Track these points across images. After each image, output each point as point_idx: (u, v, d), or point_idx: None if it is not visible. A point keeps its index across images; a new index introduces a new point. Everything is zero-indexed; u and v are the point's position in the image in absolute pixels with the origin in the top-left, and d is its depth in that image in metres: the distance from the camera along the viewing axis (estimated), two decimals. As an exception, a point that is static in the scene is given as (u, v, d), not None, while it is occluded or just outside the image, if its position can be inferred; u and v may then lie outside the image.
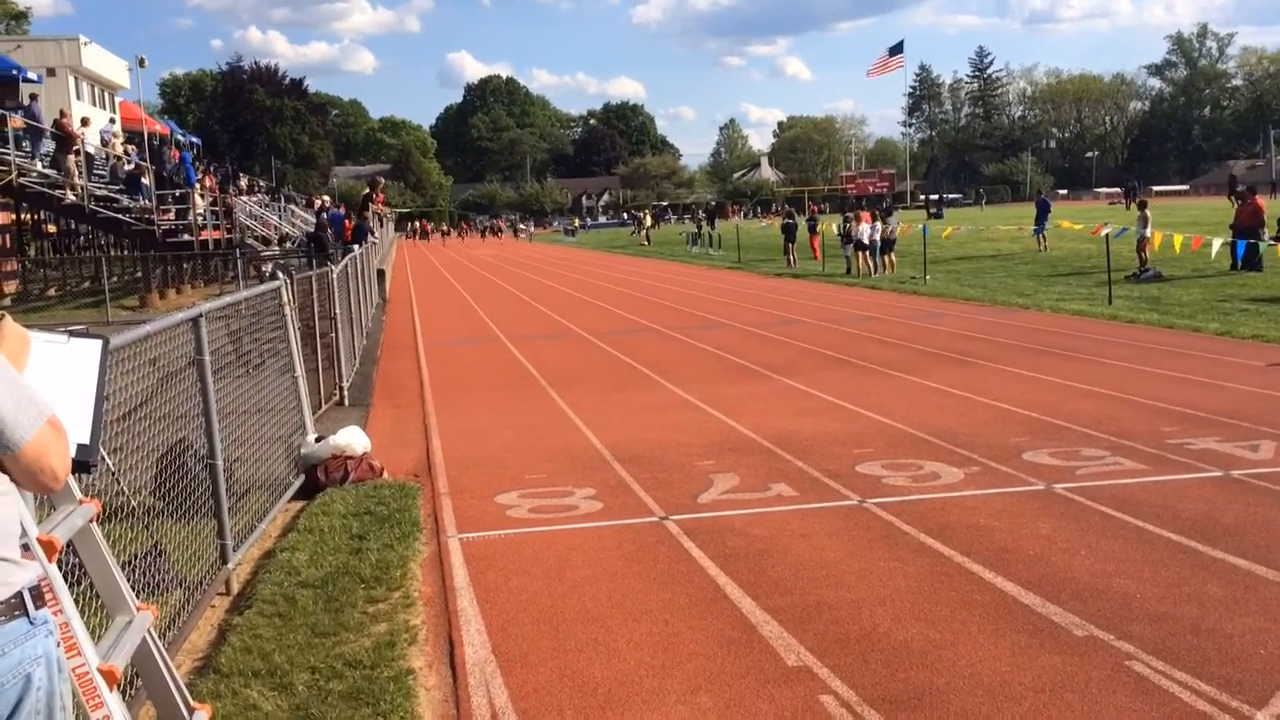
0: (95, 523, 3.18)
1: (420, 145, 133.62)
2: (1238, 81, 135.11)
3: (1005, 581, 5.28)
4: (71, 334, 2.55)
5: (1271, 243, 22.30)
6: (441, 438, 9.53)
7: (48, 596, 2.34)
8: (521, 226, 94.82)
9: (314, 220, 25.43)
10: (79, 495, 3.11)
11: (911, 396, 10.55)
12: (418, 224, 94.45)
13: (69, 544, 3.00)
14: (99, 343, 2.62)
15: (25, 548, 2.61)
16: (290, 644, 4.76)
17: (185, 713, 3.42)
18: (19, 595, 2.02)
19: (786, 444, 8.51)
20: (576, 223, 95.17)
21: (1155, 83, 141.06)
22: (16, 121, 22.98)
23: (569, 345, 16.37)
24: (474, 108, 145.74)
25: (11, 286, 25.55)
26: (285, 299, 8.23)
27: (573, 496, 7.25)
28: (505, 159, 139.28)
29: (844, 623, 4.86)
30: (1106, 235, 19.01)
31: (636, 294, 25.91)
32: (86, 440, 2.40)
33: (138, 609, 3.32)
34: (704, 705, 4.11)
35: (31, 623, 2.03)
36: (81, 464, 2.38)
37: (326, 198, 31.82)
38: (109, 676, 2.86)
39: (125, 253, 29.07)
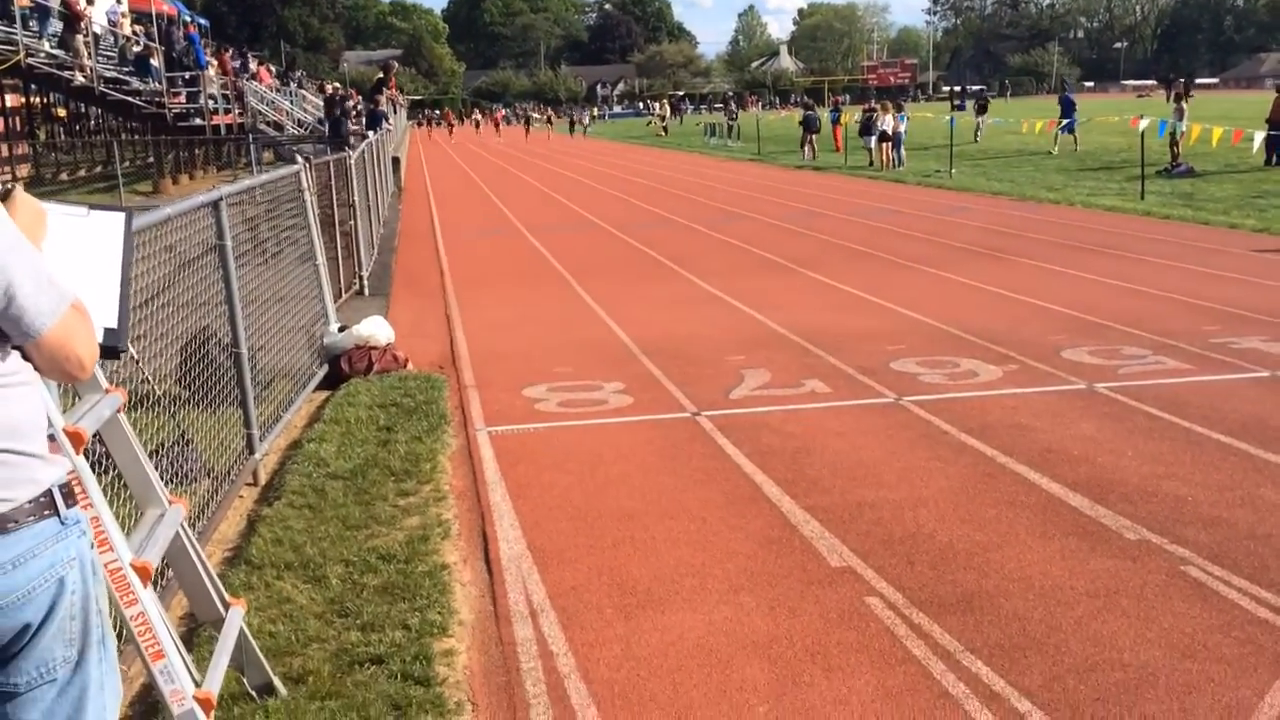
0: (122, 412, 3.04)
1: (432, 30, 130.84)
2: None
3: (1051, 483, 5.14)
4: (92, 207, 2.35)
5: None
6: (465, 329, 9.37)
7: (78, 493, 2.19)
8: (577, 117, 69.63)
9: (327, 107, 24.86)
10: (105, 384, 2.96)
11: (943, 292, 10.31)
12: (438, 113, 79.81)
13: (96, 435, 2.86)
14: (122, 216, 2.41)
15: (51, 439, 2.47)
16: (322, 536, 4.67)
17: (220, 607, 3.32)
18: (48, 493, 1.87)
19: (816, 339, 8.33)
20: (594, 112, 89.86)
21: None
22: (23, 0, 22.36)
23: (590, 237, 16.09)
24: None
25: (23, 170, 25.22)
26: (305, 184, 7.99)
27: (601, 391, 7.11)
28: (518, 45, 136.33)
29: (887, 523, 4.74)
30: (1143, 130, 18.42)
31: (656, 186, 25.46)
32: (114, 324, 2.22)
33: (169, 502, 3.20)
34: (747, 605, 4.01)
35: (63, 522, 1.88)
36: (109, 350, 2.21)
37: (338, 85, 31.07)
38: (143, 572, 2.75)
39: (136, 136, 28.61)
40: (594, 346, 8.46)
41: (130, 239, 2.40)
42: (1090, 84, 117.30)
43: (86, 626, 1.94)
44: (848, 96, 50.57)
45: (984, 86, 74.00)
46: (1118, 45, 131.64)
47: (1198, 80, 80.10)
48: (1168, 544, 4.41)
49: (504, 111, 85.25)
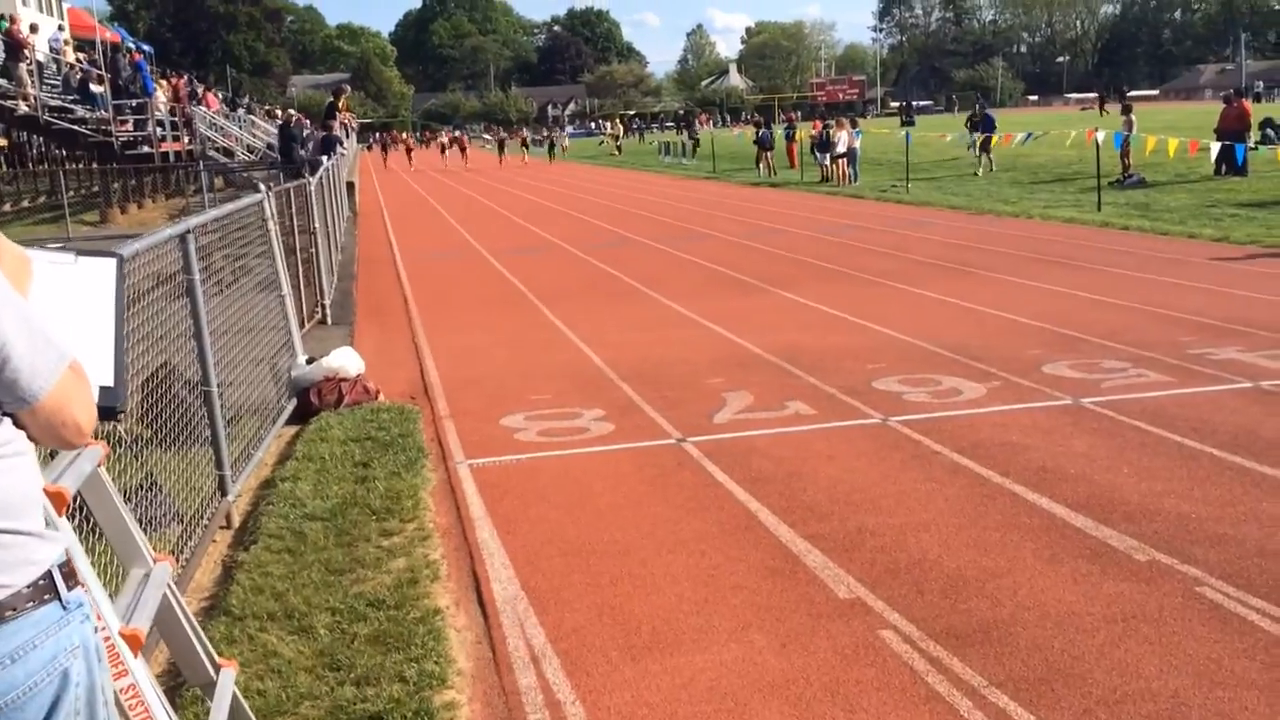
0: (102, 465, 2.83)
1: (380, 53, 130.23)
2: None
3: (1051, 503, 5.05)
4: (80, 253, 2.15)
5: (1254, 147, 22.07)
6: (434, 357, 9.16)
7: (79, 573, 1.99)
8: (557, 138, 57.03)
9: (281, 134, 24.49)
10: (83, 436, 2.75)
11: (915, 308, 10.27)
12: (388, 136, 69.94)
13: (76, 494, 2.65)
14: (113, 261, 2.22)
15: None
16: (304, 583, 4.46)
17: (211, 670, 3.11)
18: (48, 575, 1.67)
19: (795, 359, 8.22)
20: (526, 135, 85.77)
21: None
22: (-40, 28, 21.82)
23: (552, 258, 15.93)
24: (434, 14, 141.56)
25: (-35, 202, 24.58)
26: (268, 213, 7.76)
27: (581, 418, 6.94)
28: (468, 67, 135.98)
29: (890, 550, 4.61)
30: (1097, 141, 18.64)
31: (614, 205, 25.36)
32: (110, 382, 2.03)
33: (154, 559, 3.00)
34: (757, 643, 3.86)
35: (64, 607, 1.68)
36: (107, 410, 2.01)
37: (293, 111, 30.64)
38: (133, 641, 2.54)
39: (82, 165, 28.02)
40: (569, 372, 8.30)
41: (122, 287, 2.20)
42: (1034, 97, 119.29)
43: None
44: (799, 113, 50.79)
45: (910, 103, 73.98)
46: (1060, 59, 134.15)
47: (1139, 93, 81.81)
48: (1179, 564, 4.32)
49: (459, 134, 69.12)
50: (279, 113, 29.30)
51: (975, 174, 26.75)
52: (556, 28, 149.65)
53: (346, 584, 4.44)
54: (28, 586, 1.63)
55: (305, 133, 24.38)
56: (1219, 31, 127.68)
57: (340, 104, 28.74)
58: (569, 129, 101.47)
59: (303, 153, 20.73)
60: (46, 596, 1.65)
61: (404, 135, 65.47)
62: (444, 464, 6.16)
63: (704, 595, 4.28)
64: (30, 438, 1.66)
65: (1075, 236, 15.20)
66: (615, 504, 5.37)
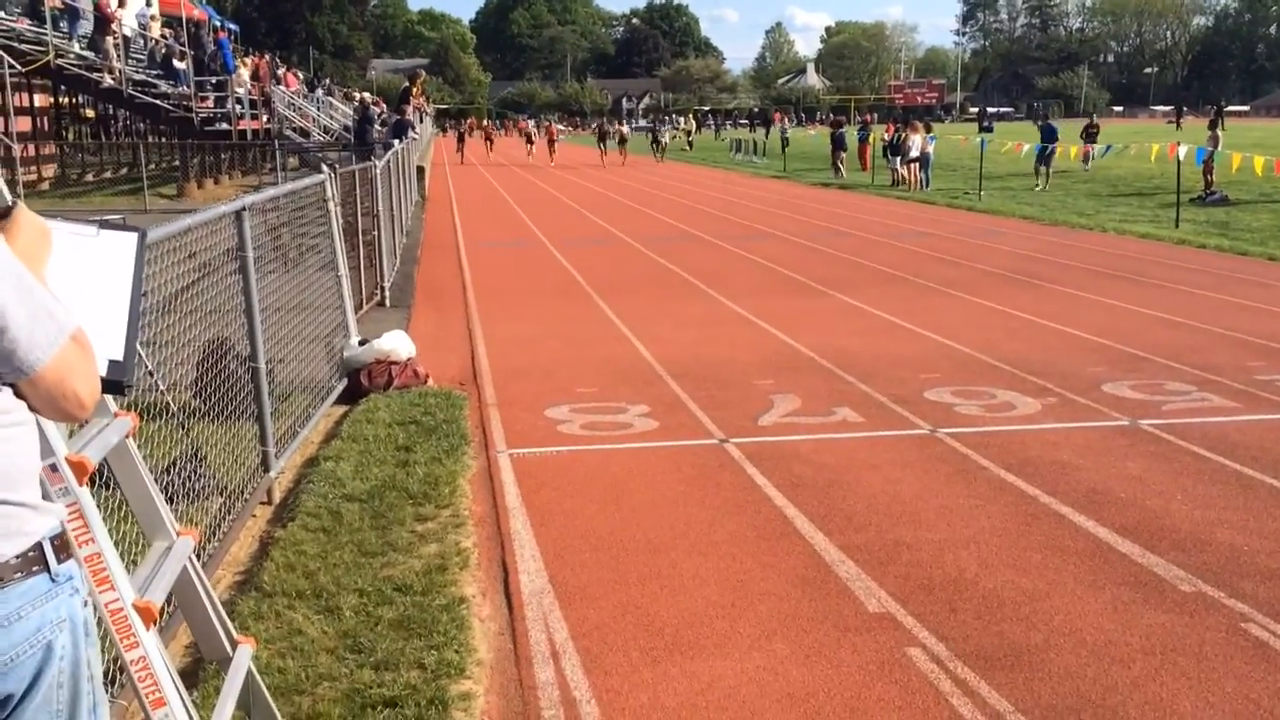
0: (131, 437, 2.86)
1: (459, 40, 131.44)
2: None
3: (1098, 526, 4.91)
4: (103, 225, 2.16)
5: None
6: (486, 344, 9.20)
7: (74, 544, 2.01)
8: (659, 133, 47.35)
9: (357, 115, 24.80)
10: (114, 407, 2.78)
11: (976, 318, 10.08)
12: (466, 124, 61.07)
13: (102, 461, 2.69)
14: (134, 236, 2.22)
15: (54, 468, 2.28)
16: (336, 563, 4.49)
17: (228, 646, 3.13)
18: (38, 546, 1.68)
19: (847, 364, 8.11)
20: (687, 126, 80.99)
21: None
22: (54, 0, 22.43)
23: (614, 251, 15.93)
24: (514, 3, 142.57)
25: (49, 171, 25.27)
26: (330, 194, 7.84)
27: (626, 413, 6.92)
28: (545, 57, 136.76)
29: (926, 565, 4.52)
30: (1178, 156, 18.13)
31: (681, 200, 25.28)
32: (120, 356, 2.03)
33: (177, 533, 3.02)
34: (780, 653, 3.80)
35: (53, 579, 1.70)
36: (114, 384, 2.02)
37: (366, 94, 30.98)
38: (145, 614, 2.56)
39: (163, 140, 28.66)
40: (618, 366, 8.27)
41: (142, 262, 2.21)
42: (1119, 108, 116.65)
43: (76, 695, 1.75)
44: (875, 115, 50.13)
45: (987, 110, 72.40)
46: (1148, 70, 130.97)
47: (1230, 108, 79.50)
48: (1225, 598, 4.17)
49: (547, 123, 59.00)
50: (356, 95, 29.66)
51: (1033, 187, 25.38)
52: (635, 20, 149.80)
53: (377, 566, 4.46)
54: (17, 557, 1.64)
55: (380, 115, 24.66)
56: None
57: (415, 89, 29.06)
58: (641, 121, 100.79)
59: (376, 135, 20.97)
60: (36, 568, 1.66)
61: (485, 122, 54.67)
62: (485, 452, 6.17)
63: (731, 600, 4.22)
64: (31, 408, 1.67)
65: (1150, 252, 14.81)
66: (651, 501, 5.33)
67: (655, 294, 11.82)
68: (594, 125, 52.78)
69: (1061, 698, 3.48)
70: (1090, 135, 29.56)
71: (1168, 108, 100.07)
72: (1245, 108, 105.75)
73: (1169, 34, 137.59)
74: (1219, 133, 24.29)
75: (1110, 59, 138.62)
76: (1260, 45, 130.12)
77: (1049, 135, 26.44)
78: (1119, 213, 20.16)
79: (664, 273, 13.55)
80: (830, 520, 5.04)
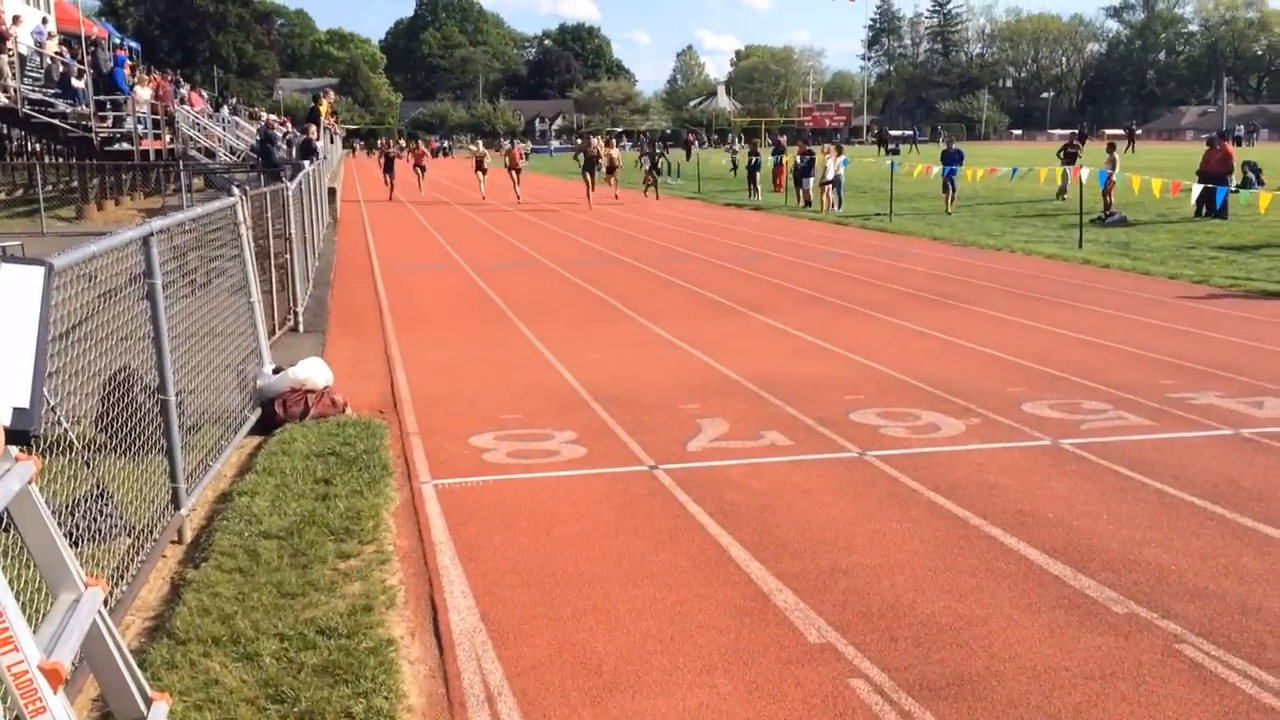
0: (34, 483, 2.65)
1: (369, 60, 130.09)
2: (1193, 27, 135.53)
3: (1029, 548, 4.93)
4: (3, 257, 1.98)
5: (1235, 190, 22.20)
6: (406, 371, 8.98)
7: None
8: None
9: (259, 136, 24.24)
10: (15, 451, 2.58)
11: (895, 339, 10.18)
12: (393, 144, 49.95)
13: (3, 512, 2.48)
14: (40, 270, 2.05)
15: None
16: (254, 605, 4.27)
17: (142, 704, 2.93)
18: None
19: (772, 387, 8.10)
20: (528, 145, 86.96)
21: (1113, 24, 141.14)
22: (-58, 16, 21.54)
23: (534, 275, 15.77)
24: (425, 23, 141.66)
25: (-62, 193, 24.20)
26: (241, 217, 7.58)
27: (553, 440, 6.78)
28: (456, 77, 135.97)
29: (863, 592, 4.47)
30: (1081, 178, 18.67)
31: (597, 222, 25.22)
32: (25, 403, 1.86)
33: (85, 584, 2.81)
34: (723, 689, 3.70)
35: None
36: (18, 434, 1.85)
37: (267, 114, 30.18)
38: (53, 676, 2.37)
39: (61, 160, 27.67)
40: (543, 391, 8.14)
41: (49, 297, 2.04)
42: (1018, 132, 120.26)
43: None
44: (785, 138, 50.93)
45: (886, 133, 73.81)
46: (1045, 95, 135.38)
47: (1120, 131, 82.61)
48: (1158, 619, 4.20)
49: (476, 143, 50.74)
50: (262, 115, 29.02)
51: (947, 211, 25.13)
52: (547, 42, 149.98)
53: (298, 608, 4.26)
54: None
55: (285, 135, 24.15)
56: (1201, 74, 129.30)
57: (323, 108, 28.57)
58: (555, 143, 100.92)
59: (282, 156, 20.52)
60: None
61: (415, 144, 41.27)
62: (409, 483, 5.98)
63: (670, 633, 4.12)
64: None
65: (1056, 273, 15.18)
66: (583, 532, 5.21)
67: (578, 318, 11.71)
68: (577, 143, 35.24)
69: (1007, 727, 3.45)
70: (1070, 156, 27.46)
71: (1065, 131, 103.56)
72: (1138, 132, 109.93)
73: (1064, 60, 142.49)
74: (1116, 155, 25.09)
75: (1009, 84, 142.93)
76: (1150, 71, 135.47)
77: (953, 159, 26.22)
78: (1024, 233, 20.67)
79: (585, 296, 13.45)
80: (765, 548, 4.98)
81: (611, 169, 31.84)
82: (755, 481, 5.94)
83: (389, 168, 35.36)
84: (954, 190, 25.76)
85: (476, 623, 4.24)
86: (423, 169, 36.89)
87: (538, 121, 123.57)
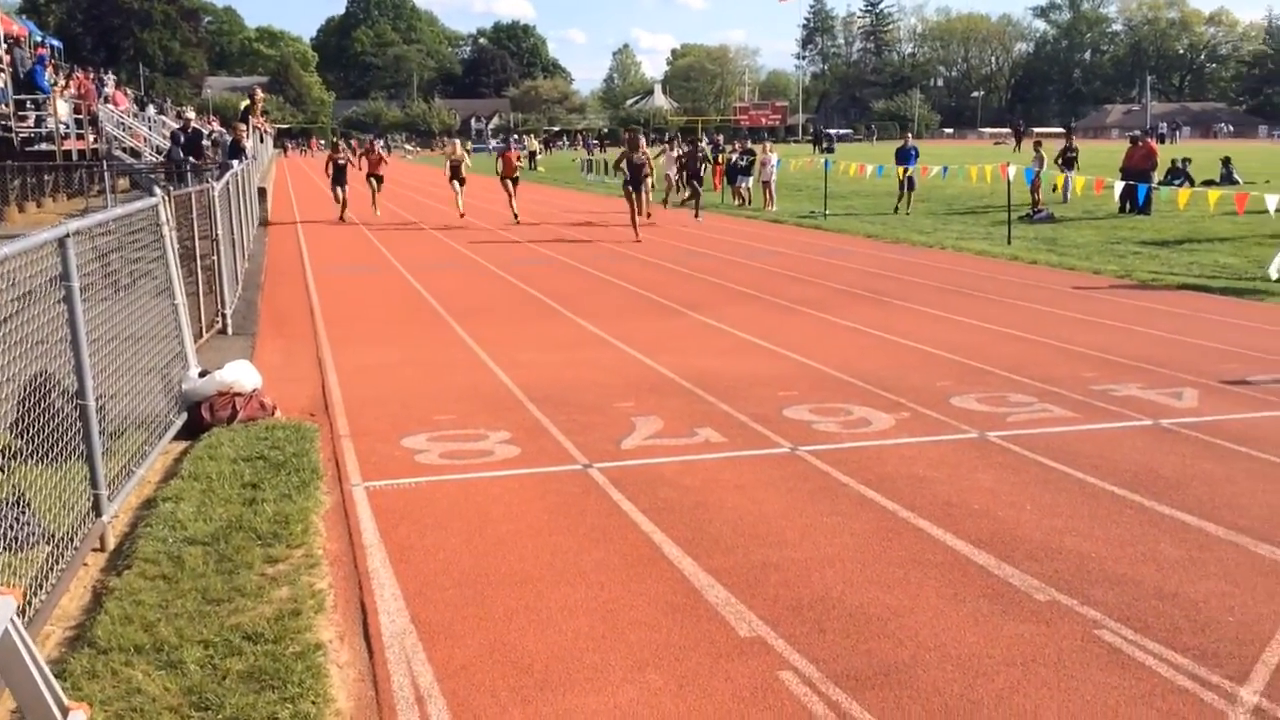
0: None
1: (300, 58, 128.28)
2: (1118, 27, 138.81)
3: (955, 539, 5.02)
4: None
5: (1157, 187, 22.80)
6: (338, 373, 8.87)
7: None
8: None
9: (181, 134, 23.75)
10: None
11: (829, 336, 10.29)
12: (344, 144, 30.64)
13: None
14: None
15: None
16: (178, 613, 4.20)
17: (58, 714, 2.87)
18: None
19: (707, 385, 8.14)
20: (469, 145, 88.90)
21: (1040, 24, 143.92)
22: None
23: (469, 275, 15.68)
24: (357, 21, 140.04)
25: None
26: (164, 218, 7.43)
27: (486, 440, 6.75)
28: (390, 76, 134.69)
29: (794, 586, 4.52)
30: (1008, 177, 19.03)
31: (533, 221, 25.13)
32: None
33: (-4, 594, 2.75)
34: (654, 685, 3.72)
35: None
36: None
37: (192, 114, 29.34)
38: (-42, 690, 2.32)
39: (-22, 161, 26.88)
40: (477, 392, 8.10)
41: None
42: (949, 130, 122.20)
43: None
44: (721, 136, 51.22)
45: (823, 131, 74.76)
46: (975, 94, 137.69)
47: (1049, 130, 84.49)
48: (1078, 605, 4.30)
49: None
50: (190, 114, 28.44)
51: (903, 211, 24.81)
52: (482, 40, 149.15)
53: (224, 615, 4.19)
54: None
55: (213, 135, 23.73)
56: (1126, 73, 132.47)
57: (255, 107, 28.11)
58: (492, 142, 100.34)
59: (210, 156, 20.18)
60: None
61: (374, 144, 29.77)
62: (339, 486, 5.92)
63: (601, 631, 4.13)
64: None
65: (986, 269, 15.46)
66: (515, 532, 5.19)
67: (513, 318, 11.66)
68: (619, 154, 23.40)
69: (931, 714, 3.51)
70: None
71: (997, 130, 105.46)
72: (1061, 130, 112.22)
73: (994, 59, 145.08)
74: (1043, 153, 25.61)
75: (940, 83, 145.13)
76: (1077, 70, 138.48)
77: (908, 157, 25.51)
78: (955, 230, 21.01)
79: (521, 296, 13.40)
80: (698, 544, 5.00)
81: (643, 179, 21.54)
82: (689, 478, 5.97)
83: (339, 178, 25.77)
84: (911, 189, 25.23)
85: (407, 625, 4.21)
86: (378, 179, 26.40)
87: (474, 120, 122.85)
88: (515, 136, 66.63)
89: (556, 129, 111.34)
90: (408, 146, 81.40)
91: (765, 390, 7.97)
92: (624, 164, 20.82)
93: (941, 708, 3.54)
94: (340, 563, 4.86)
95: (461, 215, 24.87)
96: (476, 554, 4.92)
